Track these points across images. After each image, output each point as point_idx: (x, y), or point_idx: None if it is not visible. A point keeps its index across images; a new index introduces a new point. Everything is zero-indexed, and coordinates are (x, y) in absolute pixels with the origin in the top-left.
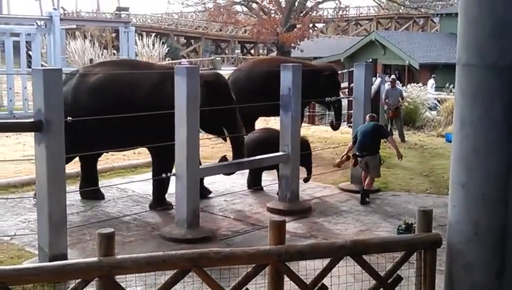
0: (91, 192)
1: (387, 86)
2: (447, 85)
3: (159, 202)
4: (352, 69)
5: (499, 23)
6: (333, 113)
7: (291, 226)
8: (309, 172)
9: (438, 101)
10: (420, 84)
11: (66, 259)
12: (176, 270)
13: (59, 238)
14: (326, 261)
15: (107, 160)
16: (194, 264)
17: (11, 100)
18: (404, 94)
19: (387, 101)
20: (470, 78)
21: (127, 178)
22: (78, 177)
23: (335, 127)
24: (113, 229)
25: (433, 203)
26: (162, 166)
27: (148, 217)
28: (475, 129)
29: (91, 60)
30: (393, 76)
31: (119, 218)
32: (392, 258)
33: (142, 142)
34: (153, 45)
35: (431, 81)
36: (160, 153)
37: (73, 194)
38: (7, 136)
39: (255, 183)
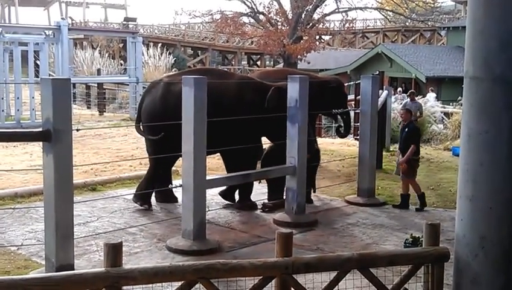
0: (165, 196)
1: (394, 98)
2: (458, 98)
3: (243, 201)
4: (358, 81)
5: (507, 35)
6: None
7: (298, 238)
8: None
9: (445, 114)
10: (426, 97)
11: (73, 269)
12: (182, 282)
13: (66, 248)
14: (333, 274)
15: (113, 170)
16: (201, 276)
17: (18, 110)
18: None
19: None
20: (477, 91)
21: (133, 189)
22: (84, 188)
23: (342, 135)
24: (120, 240)
25: (440, 217)
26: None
27: (155, 228)
28: (482, 142)
29: (98, 70)
30: (399, 89)
31: (125, 229)
32: (399, 272)
33: (223, 146)
34: (160, 55)
35: (432, 94)
36: (236, 157)
37: (79, 204)
38: (14, 146)
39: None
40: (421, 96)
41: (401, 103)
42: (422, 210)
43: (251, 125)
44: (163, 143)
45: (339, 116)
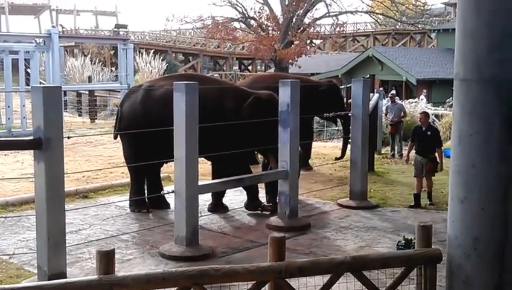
0: (156, 201)
1: (385, 101)
2: (447, 100)
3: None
4: (350, 85)
5: (497, 37)
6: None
7: (291, 242)
8: None
9: (436, 117)
10: (416, 99)
11: (65, 278)
12: (175, 288)
13: (58, 256)
14: (326, 277)
15: (105, 178)
16: (194, 282)
17: (9, 118)
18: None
19: (387, 116)
20: (467, 92)
21: (125, 196)
22: (76, 195)
23: (344, 145)
24: (113, 247)
25: (432, 219)
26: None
27: (147, 234)
28: (473, 144)
29: (89, 78)
30: (393, 91)
31: (118, 236)
32: (392, 274)
33: (206, 152)
34: (152, 61)
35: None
36: (222, 161)
37: (71, 212)
38: (5, 155)
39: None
40: (411, 99)
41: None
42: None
43: (231, 132)
44: (140, 149)
45: (338, 120)
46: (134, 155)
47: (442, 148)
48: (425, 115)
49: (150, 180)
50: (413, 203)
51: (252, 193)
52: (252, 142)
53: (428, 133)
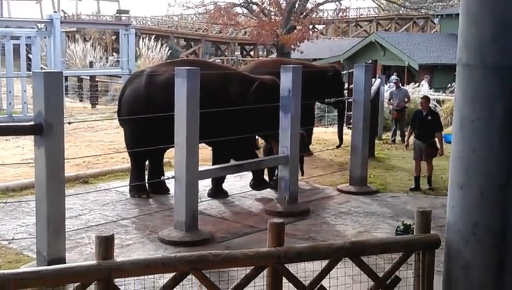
0: (156, 186)
1: (387, 87)
2: (448, 86)
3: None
4: (352, 70)
5: (501, 23)
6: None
7: (290, 228)
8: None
9: (438, 102)
10: (418, 84)
11: (65, 263)
12: (174, 273)
13: (57, 242)
14: (324, 262)
15: (106, 163)
16: (193, 267)
17: (10, 103)
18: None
19: (391, 101)
20: (470, 78)
21: (125, 181)
22: (76, 181)
23: (339, 132)
24: (112, 233)
25: (432, 204)
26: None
27: (147, 220)
28: (474, 130)
29: (91, 63)
30: (394, 77)
31: (117, 221)
32: (390, 260)
33: (210, 137)
34: (154, 47)
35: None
36: (226, 146)
37: (71, 197)
38: (6, 140)
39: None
40: (413, 84)
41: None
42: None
43: (235, 117)
44: (141, 134)
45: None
46: (135, 141)
47: (443, 133)
48: (426, 99)
49: (152, 166)
50: (413, 186)
51: (258, 174)
52: (255, 128)
53: (429, 117)
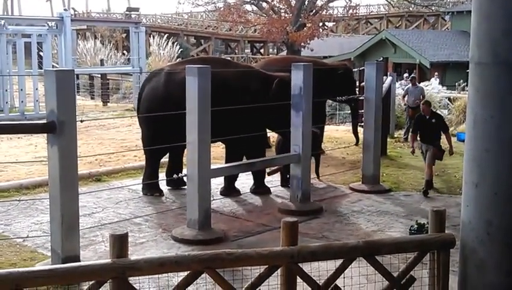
0: (176, 182)
1: (398, 84)
2: (459, 82)
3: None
4: (362, 67)
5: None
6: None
7: (303, 226)
8: None
9: (449, 100)
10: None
11: (79, 261)
12: (188, 272)
13: (72, 240)
14: (338, 262)
15: (118, 161)
16: (206, 266)
17: (22, 101)
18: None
19: (405, 99)
20: (483, 76)
21: (138, 179)
22: (89, 179)
23: (354, 130)
24: (126, 231)
25: (445, 203)
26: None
27: (160, 218)
28: (487, 128)
29: (102, 61)
30: (407, 74)
31: (130, 219)
32: (405, 259)
33: (226, 135)
34: (165, 45)
35: (435, 80)
36: (237, 146)
37: (85, 195)
38: (19, 138)
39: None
40: (425, 82)
41: (403, 89)
42: (427, 194)
43: (253, 114)
44: (159, 132)
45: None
46: (152, 139)
47: (455, 132)
48: (427, 104)
49: (171, 164)
50: (424, 189)
51: (259, 178)
52: (274, 125)
53: (433, 120)
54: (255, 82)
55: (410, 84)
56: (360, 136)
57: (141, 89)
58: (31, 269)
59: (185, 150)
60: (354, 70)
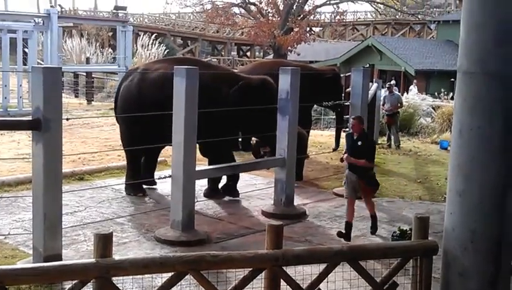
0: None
1: (384, 91)
2: (443, 90)
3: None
4: (349, 73)
5: (502, 31)
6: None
7: (286, 230)
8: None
9: (433, 108)
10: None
11: (61, 260)
12: (172, 273)
13: (54, 238)
14: (322, 266)
15: (101, 160)
16: (191, 267)
17: (6, 97)
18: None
19: (384, 106)
20: (470, 85)
21: (121, 179)
22: (72, 177)
23: (337, 135)
24: (111, 231)
25: (427, 210)
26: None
27: (143, 218)
28: (474, 137)
29: (88, 59)
30: (392, 82)
31: (113, 219)
32: (388, 265)
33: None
34: (152, 44)
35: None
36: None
37: (67, 194)
38: (1, 134)
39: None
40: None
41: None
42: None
43: (222, 118)
44: (134, 132)
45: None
46: (128, 139)
47: (438, 139)
48: (358, 120)
49: (146, 165)
50: (344, 232)
51: (214, 182)
52: (234, 130)
53: (359, 143)
54: (227, 85)
55: (387, 92)
56: (343, 141)
57: (118, 88)
58: (13, 267)
59: (160, 152)
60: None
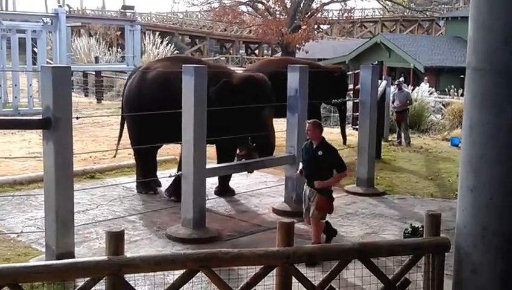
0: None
1: (393, 88)
2: (451, 87)
3: None
4: (357, 70)
5: (510, 28)
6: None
7: (297, 227)
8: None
9: (443, 105)
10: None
11: (73, 257)
12: (184, 270)
13: (66, 236)
14: (333, 263)
15: (112, 158)
16: (202, 265)
17: (16, 97)
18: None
19: (394, 103)
20: (479, 82)
21: (132, 177)
22: (83, 176)
23: (343, 132)
24: (122, 228)
25: (439, 207)
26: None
27: (154, 216)
28: (484, 134)
29: (96, 58)
30: (401, 79)
31: (125, 217)
32: (400, 262)
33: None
34: (160, 43)
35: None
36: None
37: (79, 192)
38: (13, 133)
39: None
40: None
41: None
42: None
43: (213, 116)
44: (140, 131)
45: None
46: (135, 137)
47: (449, 136)
48: (313, 126)
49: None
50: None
51: (224, 181)
52: (215, 132)
53: (319, 153)
54: (212, 83)
55: (396, 90)
56: (351, 138)
57: (124, 87)
58: (27, 265)
59: (158, 151)
60: (348, 73)
